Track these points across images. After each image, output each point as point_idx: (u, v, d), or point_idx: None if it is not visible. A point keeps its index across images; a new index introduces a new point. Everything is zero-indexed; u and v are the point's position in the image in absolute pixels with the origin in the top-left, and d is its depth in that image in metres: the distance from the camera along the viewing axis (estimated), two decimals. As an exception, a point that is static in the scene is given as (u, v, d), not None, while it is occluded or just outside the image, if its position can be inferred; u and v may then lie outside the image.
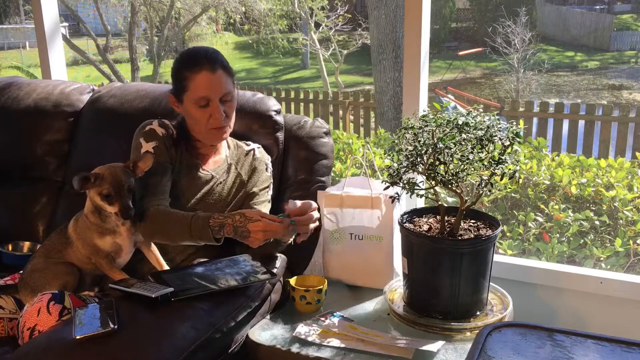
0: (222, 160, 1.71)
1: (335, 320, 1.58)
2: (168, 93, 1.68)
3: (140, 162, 1.51)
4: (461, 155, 1.42)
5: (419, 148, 1.46)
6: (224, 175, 1.69)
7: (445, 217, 1.55)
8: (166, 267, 1.59)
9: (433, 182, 1.47)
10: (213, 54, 1.61)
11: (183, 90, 1.60)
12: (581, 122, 5.93)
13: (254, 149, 1.77)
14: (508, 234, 2.70)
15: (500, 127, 1.46)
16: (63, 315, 1.37)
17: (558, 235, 2.58)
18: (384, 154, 3.21)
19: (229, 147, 1.74)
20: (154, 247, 1.59)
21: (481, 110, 1.54)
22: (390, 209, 1.73)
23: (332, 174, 2.97)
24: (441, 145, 1.42)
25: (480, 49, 11.78)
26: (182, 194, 1.62)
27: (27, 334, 1.34)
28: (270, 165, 1.78)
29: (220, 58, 1.62)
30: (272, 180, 1.77)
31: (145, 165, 1.51)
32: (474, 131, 1.44)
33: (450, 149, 1.41)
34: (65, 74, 2.62)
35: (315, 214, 1.56)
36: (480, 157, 1.41)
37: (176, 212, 1.52)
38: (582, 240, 2.54)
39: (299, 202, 1.57)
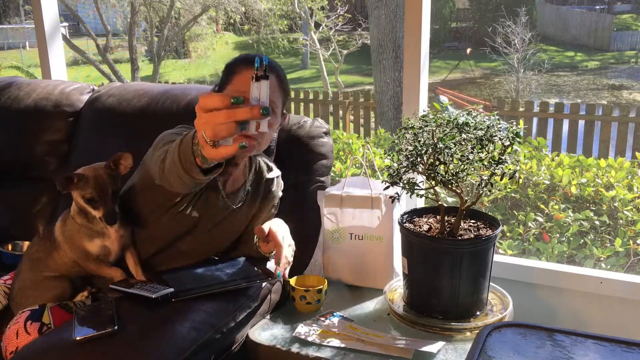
0: (240, 185, 1.59)
1: (335, 320, 1.58)
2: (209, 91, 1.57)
3: (122, 159, 1.42)
4: (461, 155, 1.42)
5: (419, 148, 1.46)
6: (239, 203, 1.59)
7: (445, 217, 1.55)
8: (140, 275, 1.50)
9: (433, 182, 1.47)
10: (275, 62, 1.52)
11: (227, 83, 1.48)
12: (581, 122, 5.93)
13: (273, 179, 1.67)
14: (508, 234, 2.70)
15: (500, 127, 1.46)
16: (42, 332, 1.34)
17: (558, 235, 2.58)
18: (384, 154, 3.21)
19: (249, 170, 1.62)
20: (134, 253, 1.52)
21: (481, 110, 1.53)
22: (390, 209, 1.73)
23: (332, 174, 2.97)
24: (441, 145, 1.42)
25: (470, 49, 11.83)
26: (200, 216, 1.53)
27: (9, 357, 1.32)
28: (281, 193, 1.71)
29: (280, 71, 1.53)
30: (278, 202, 1.71)
31: (127, 162, 1.42)
32: (474, 131, 1.44)
33: (450, 149, 1.41)
34: (65, 74, 2.62)
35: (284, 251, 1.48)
36: (480, 157, 1.41)
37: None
38: (582, 240, 2.54)
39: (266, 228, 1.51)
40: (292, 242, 1.58)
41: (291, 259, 1.55)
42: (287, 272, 1.54)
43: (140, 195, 1.49)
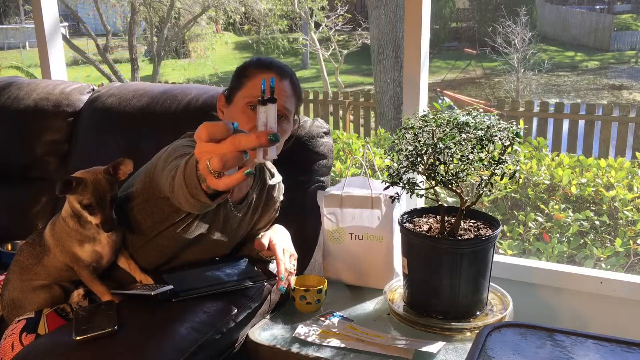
0: (245, 193, 1.57)
1: (335, 320, 1.58)
2: (219, 94, 1.53)
3: (121, 165, 1.36)
4: (461, 155, 1.42)
5: (419, 148, 1.46)
6: (243, 210, 1.57)
7: (445, 217, 1.55)
8: (143, 275, 1.48)
9: (433, 182, 1.47)
10: (288, 67, 1.51)
11: (239, 88, 1.45)
12: (581, 122, 5.93)
13: (275, 186, 1.65)
14: (508, 234, 2.70)
15: (501, 127, 1.46)
16: None
17: (558, 235, 2.58)
18: (384, 154, 3.21)
19: (254, 177, 1.59)
20: (127, 256, 1.49)
21: (481, 110, 1.54)
22: (390, 209, 1.73)
23: (332, 174, 2.97)
24: (441, 145, 1.42)
25: (474, 51, 11.84)
26: (209, 226, 1.50)
27: None
28: (282, 197, 1.70)
29: (293, 75, 1.51)
30: (279, 205, 1.71)
31: (126, 168, 1.36)
32: (474, 131, 1.44)
33: (450, 149, 1.41)
34: (65, 74, 2.62)
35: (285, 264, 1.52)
36: (480, 157, 1.41)
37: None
38: (582, 240, 2.54)
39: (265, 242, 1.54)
40: (294, 251, 1.59)
41: (293, 269, 1.55)
42: (292, 281, 1.55)
43: (144, 205, 1.43)
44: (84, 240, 1.40)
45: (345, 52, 10.81)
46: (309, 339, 1.48)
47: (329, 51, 10.74)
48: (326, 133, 1.88)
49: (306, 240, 1.80)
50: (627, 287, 1.83)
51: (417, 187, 1.48)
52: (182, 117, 1.87)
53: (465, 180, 1.45)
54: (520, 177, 1.47)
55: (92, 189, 1.34)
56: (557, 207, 2.63)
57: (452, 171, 1.44)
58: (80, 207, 1.35)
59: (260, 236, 1.60)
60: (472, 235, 1.52)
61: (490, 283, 1.60)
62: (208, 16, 11.23)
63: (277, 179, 1.66)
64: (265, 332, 1.53)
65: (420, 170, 1.47)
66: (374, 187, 1.78)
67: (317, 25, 10.78)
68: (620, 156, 3.38)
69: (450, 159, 1.43)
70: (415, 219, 1.65)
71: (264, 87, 0.88)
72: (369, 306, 1.69)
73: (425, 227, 1.59)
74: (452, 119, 1.48)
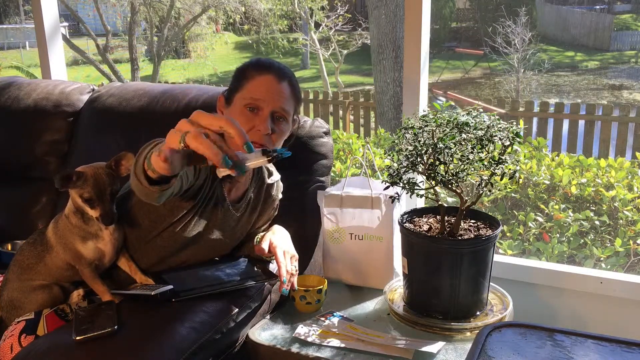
0: (243, 192, 1.58)
1: (335, 320, 1.58)
2: (219, 95, 1.54)
3: (123, 160, 1.36)
4: (461, 155, 1.42)
5: (419, 148, 1.46)
6: (241, 210, 1.58)
7: (445, 217, 1.55)
8: (144, 277, 1.48)
9: (433, 182, 1.47)
10: (287, 68, 1.50)
11: (238, 89, 1.46)
12: (581, 122, 5.93)
13: (273, 184, 1.65)
14: (508, 234, 2.70)
15: (501, 127, 1.46)
16: None
17: (558, 235, 2.58)
18: (384, 154, 3.21)
19: (252, 176, 1.60)
20: (128, 257, 1.49)
21: (481, 110, 1.54)
22: (390, 209, 1.73)
23: (332, 174, 2.97)
24: (441, 145, 1.42)
25: (480, 51, 11.82)
26: (205, 227, 1.51)
27: None
28: (280, 196, 1.71)
29: (292, 77, 1.51)
30: (278, 203, 1.71)
31: (128, 163, 1.36)
32: (474, 131, 1.44)
33: (450, 149, 1.41)
34: (65, 74, 2.62)
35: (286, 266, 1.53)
36: (480, 157, 1.41)
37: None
38: (582, 240, 2.54)
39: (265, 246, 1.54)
40: (294, 252, 1.59)
41: (295, 270, 1.55)
42: (294, 283, 1.55)
43: (142, 202, 1.42)
44: (86, 237, 1.40)
45: (345, 52, 10.81)
46: (309, 339, 1.48)
47: (329, 51, 10.74)
48: (326, 133, 1.88)
49: (306, 240, 1.80)
50: (627, 287, 1.83)
51: (417, 187, 1.48)
52: (182, 117, 1.86)
53: (465, 180, 1.45)
54: (520, 177, 1.47)
55: (93, 183, 1.34)
56: (557, 207, 2.63)
57: (452, 171, 1.44)
58: (81, 200, 1.36)
59: (259, 238, 1.60)
60: (472, 235, 1.52)
61: (490, 283, 1.60)
62: (208, 16, 11.24)
63: (275, 177, 1.67)
64: (265, 332, 1.53)
65: (420, 170, 1.47)
66: (374, 187, 1.78)
67: (317, 25, 10.78)
68: (620, 156, 3.39)
69: (450, 159, 1.43)
70: (415, 219, 1.65)
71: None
72: (369, 306, 1.69)
73: (425, 227, 1.59)
74: (452, 119, 1.48)
